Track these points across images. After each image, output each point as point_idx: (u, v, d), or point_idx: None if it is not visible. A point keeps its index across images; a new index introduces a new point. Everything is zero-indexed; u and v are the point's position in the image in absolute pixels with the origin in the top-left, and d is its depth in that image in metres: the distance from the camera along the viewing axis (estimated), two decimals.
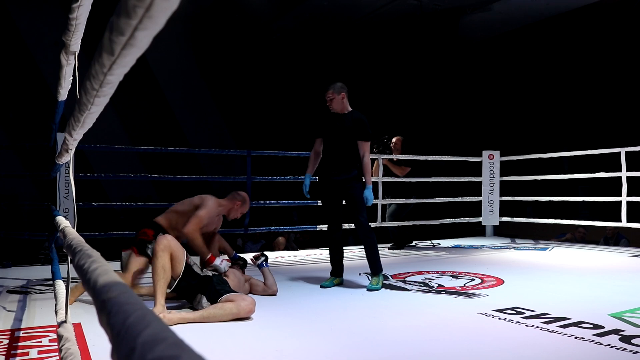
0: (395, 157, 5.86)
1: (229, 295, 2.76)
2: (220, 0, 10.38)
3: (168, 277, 2.75)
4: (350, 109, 3.72)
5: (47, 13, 10.18)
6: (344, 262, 3.80)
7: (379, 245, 5.80)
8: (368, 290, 3.51)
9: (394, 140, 5.90)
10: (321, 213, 3.86)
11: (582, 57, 9.73)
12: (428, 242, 6.21)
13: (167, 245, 2.74)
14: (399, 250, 5.74)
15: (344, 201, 3.71)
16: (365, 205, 3.63)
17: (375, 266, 3.61)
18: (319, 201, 5.74)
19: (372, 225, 5.85)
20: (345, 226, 5.91)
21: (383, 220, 5.94)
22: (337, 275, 3.73)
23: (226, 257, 3.30)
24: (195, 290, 2.82)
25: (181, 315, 2.64)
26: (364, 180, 3.64)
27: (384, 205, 5.96)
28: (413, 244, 6.09)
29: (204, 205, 3.13)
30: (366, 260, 3.68)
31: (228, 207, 3.31)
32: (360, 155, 3.64)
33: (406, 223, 5.91)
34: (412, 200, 5.88)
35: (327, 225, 3.83)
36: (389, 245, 6.02)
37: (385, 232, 6.37)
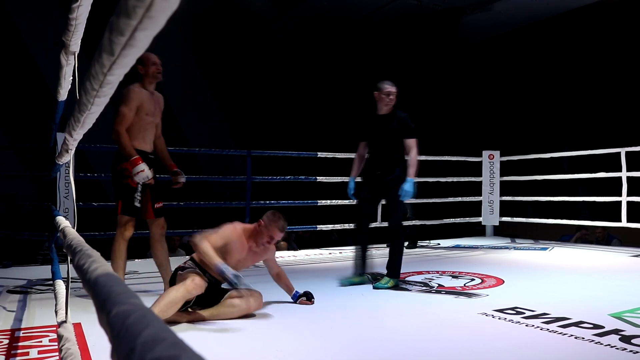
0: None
1: (233, 292, 2.75)
2: (220, 0, 10.38)
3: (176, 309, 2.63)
4: (393, 108, 3.78)
5: (47, 13, 10.17)
6: (367, 261, 3.79)
7: (378, 245, 5.82)
8: (374, 288, 3.53)
9: None
10: (355, 210, 3.89)
11: (582, 57, 9.73)
12: (426, 242, 6.23)
13: (192, 291, 2.60)
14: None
15: (383, 200, 3.75)
16: (401, 204, 3.66)
17: (393, 269, 3.62)
18: (318, 201, 5.77)
19: (372, 225, 5.88)
20: (346, 226, 5.94)
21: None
22: (360, 274, 3.76)
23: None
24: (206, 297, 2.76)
25: (191, 315, 2.64)
26: (408, 175, 3.65)
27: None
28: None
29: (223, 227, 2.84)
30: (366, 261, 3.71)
31: (254, 232, 2.87)
32: (407, 152, 3.68)
33: (416, 222, 5.93)
34: (412, 200, 5.89)
35: (355, 223, 3.88)
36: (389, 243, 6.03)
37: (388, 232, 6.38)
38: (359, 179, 3.89)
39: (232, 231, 2.84)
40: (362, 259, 3.77)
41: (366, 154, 3.83)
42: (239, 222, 2.93)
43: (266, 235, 2.84)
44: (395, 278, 3.60)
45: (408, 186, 3.55)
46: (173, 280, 2.78)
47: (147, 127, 3.15)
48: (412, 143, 3.66)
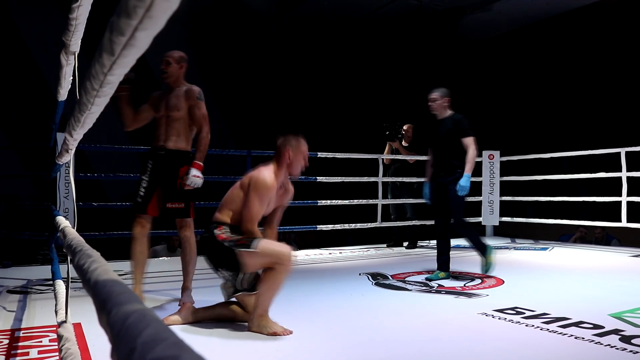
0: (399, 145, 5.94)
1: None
2: (220, 0, 10.38)
3: None
4: (450, 112, 3.95)
5: (47, 13, 10.17)
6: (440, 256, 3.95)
7: (378, 245, 5.82)
8: (484, 272, 3.88)
9: (405, 127, 5.96)
10: (431, 209, 4.12)
11: (582, 57, 9.73)
12: (426, 242, 6.24)
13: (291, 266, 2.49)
14: (398, 249, 5.74)
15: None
16: (461, 203, 3.86)
17: (482, 252, 3.92)
18: (318, 201, 5.77)
19: (372, 225, 5.90)
20: (345, 226, 5.94)
21: (399, 219, 5.95)
22: (443, 270, 3.90)
23: None
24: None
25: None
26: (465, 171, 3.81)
27: (399, 205, 5.97)
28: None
29: (254, 190, 2.51)
30: (366, 261, 3.73)
31: (283, 167, 2.64)
32: (466, 154, 3.85)
33: (416, 222, 5.93)
34: (411, 201, 5.89)
35: (434, 221, 4.10)
36: (389, 243, 6.04)
37: (388, 232, 6.37)
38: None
39: (272, 186, 2.55)
40: (445, 256, 3.93)
41: (432, 157, 4.05)
42: (262, 168, 2.60)
43: (301, 159, 2.65)
44: (488, 257, 3.90)
45: (464, 181, 3.75)
46: (232, 258, 2.44)
47: (159, 124, 3.22)
48: (468, 142, 3.83)
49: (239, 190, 2.61)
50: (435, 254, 4.04)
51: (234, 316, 2.67)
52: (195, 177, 3.02)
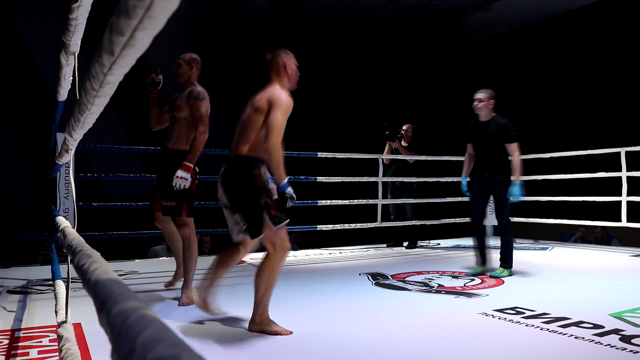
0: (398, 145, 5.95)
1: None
2: (220, 1, 10.38)
3: None
4: (493, 114, 4.03)
5: (47, 13, 10.17)
6: (487, 252, 4.10)
7: (378, 245, 5.82)
8: (491, 276, 3.92)
9: (405, 127, 5.97)
10: (469, 206, 4.21)
11: (582, 57, 9.73)
12: (426, 242, 6.24)
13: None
14: (398, 249, 5.74)
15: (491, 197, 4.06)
16: (508, 204, 3.99)
17: (506, 260, 4.02)
18: (318, 201, 5.77)
19: (372, 225, 5.90)
20: (345, 226, 5.94)
21: (399, 219, 5.96)
22: (482, 264, 4.06)
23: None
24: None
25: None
26: (512, 178, 3.95)
27: (399, 205, 5.97)
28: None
29: (277, 107, 2.46)
30: (366, 261, 3.73)
31: (285, 80, 2.64)
32: (508, 156, 3.97)
33: (416, 222, 5.94)
34: (411, 201, 5.89)
35: (470, 218, 4.17)
36: (389, 243, 6.04)
37: (388, 232, 6.37)
38: (468, 178, 4.23)
39: (291, 101, 2.51)
40: (481, 251, 4.08)
41: (474, 155, 4.16)
42: (272, 88, 2.54)
43: (295, 69, 2.70)
44: (509, 268, 3.99)
45: (515, 189, 3.87)
46: (259, 221, 2.40)
47: (170, 124, 3.32)
48: (512, 148, 3.93)
49: (256, 115, 2.51)
50: (436, 253, 4.06)
51: (232, 261, 2.59)
52: (179, 178, 2.97)
